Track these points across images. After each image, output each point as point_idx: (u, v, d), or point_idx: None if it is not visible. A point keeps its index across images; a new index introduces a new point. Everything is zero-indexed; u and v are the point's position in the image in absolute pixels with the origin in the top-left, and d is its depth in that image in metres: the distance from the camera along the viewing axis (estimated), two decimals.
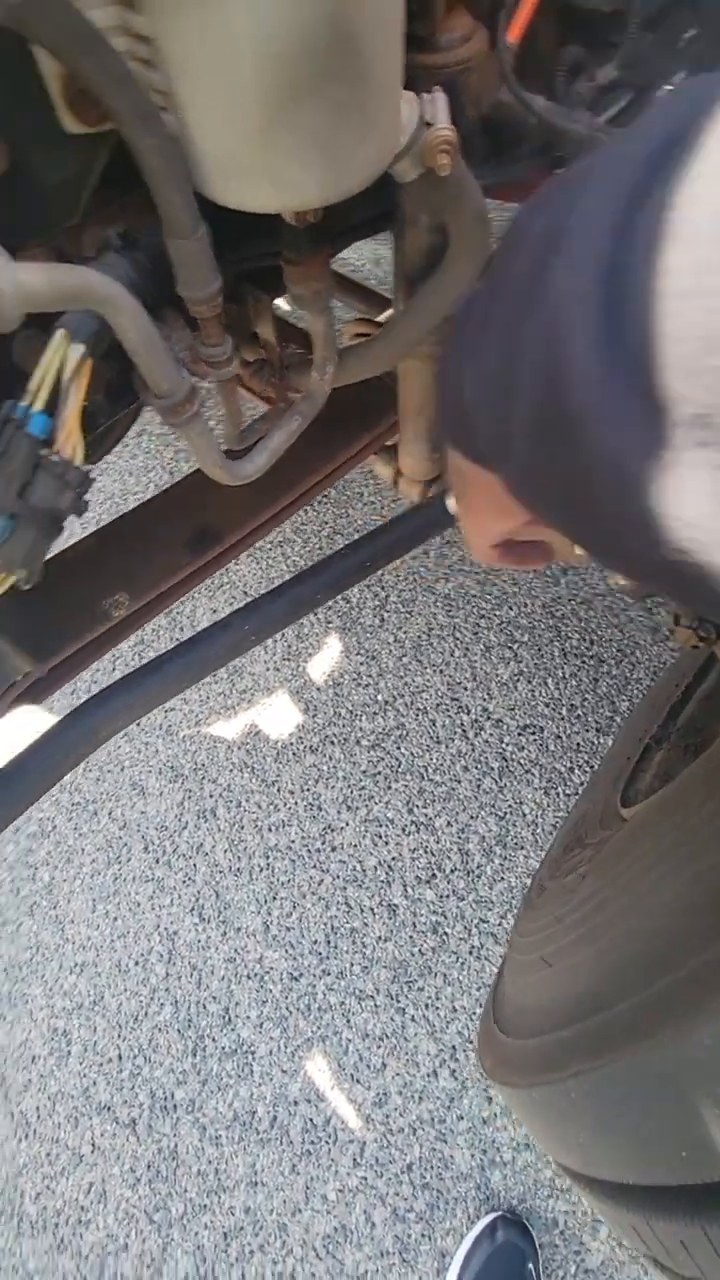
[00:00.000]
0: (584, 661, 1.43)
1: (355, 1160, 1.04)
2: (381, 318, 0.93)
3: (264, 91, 0.34)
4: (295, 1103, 1.08)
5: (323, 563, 0.71)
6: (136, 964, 1.21)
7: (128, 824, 1.34)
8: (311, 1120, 1.07)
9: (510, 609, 1.51)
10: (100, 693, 0.63)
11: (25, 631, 0.65)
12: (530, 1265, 0.92)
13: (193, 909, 1.25)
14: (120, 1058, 1.14)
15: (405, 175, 0.47)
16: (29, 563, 0.44)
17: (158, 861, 1.30)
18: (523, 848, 1.25)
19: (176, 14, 0.33)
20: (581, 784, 1.30)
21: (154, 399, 0.47)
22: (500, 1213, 0.97)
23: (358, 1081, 1.09)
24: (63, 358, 0.42)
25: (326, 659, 1.48)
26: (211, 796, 1.35)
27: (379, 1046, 1.11)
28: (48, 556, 0.46)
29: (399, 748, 1.37)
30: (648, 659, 1.42)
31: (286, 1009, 1.15)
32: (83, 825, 1.35)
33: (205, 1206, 1.03)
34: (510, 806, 1.29)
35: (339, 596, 1.55)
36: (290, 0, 0.32)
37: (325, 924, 1.21)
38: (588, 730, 1.36)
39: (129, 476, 1.76)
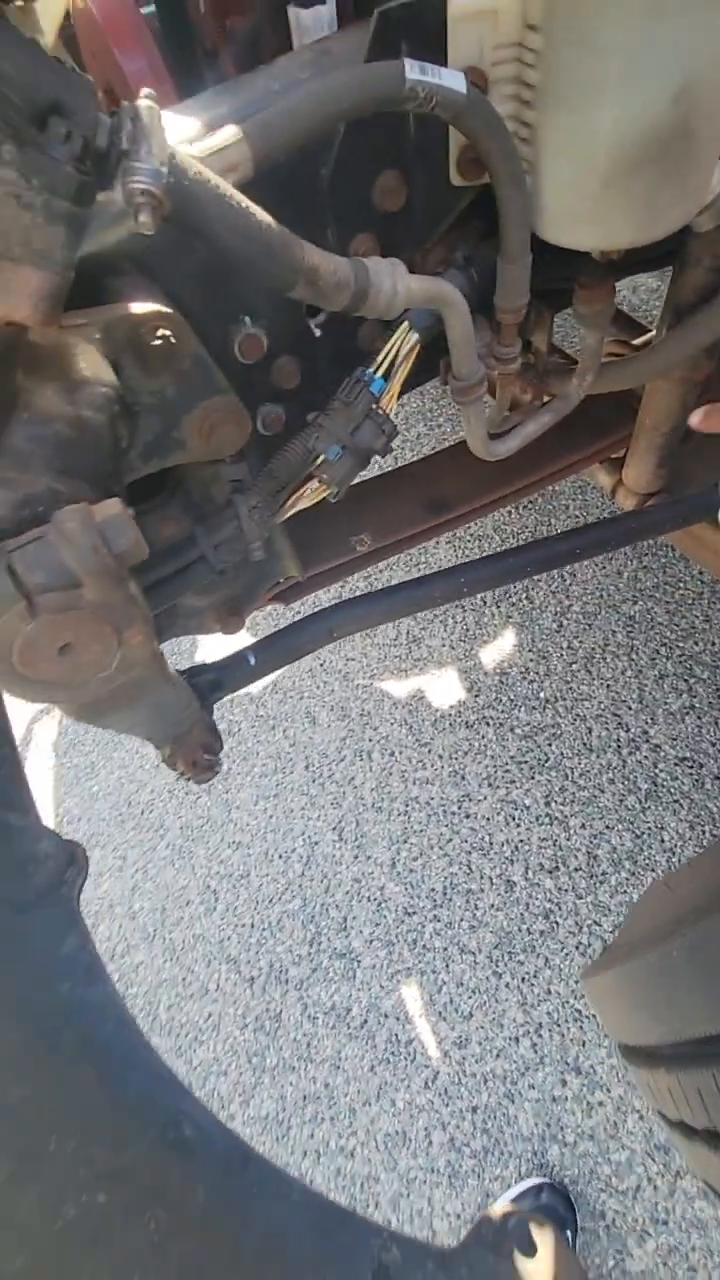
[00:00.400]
0: None
1: (427, 1083, 1.15)
2: (637, 340, 1.01)
3: (611, 166, 0.47)
4: (385, 1015, 1.22)
5: (537, 542, 0.83)
6: (281, 857, 1.42)
7: (296, 743, 1.56)
8: (396, 1035, 1.20)
9: (696, 644, 1.50)
10: (341, 603, 0.80)
11: (299, 544, 0.85)
12: (569, 1233, 0.97)
13: (334, 828, 1.43)
14: (252, 926, 1.36)
15: (702, 226, 0.57)
16: (343, 483, 0.61)
17: (314, 781, 1.50)
18: (654, 870, 1.26)
19: (556, 112, 0.47)
20: None
21: (454, 380, 0.62)
22: (550, 1180, 1.03)
23: (444, 1019, 1.20)
24: (402, 342, 0.58)
25: (499, 648, 1.58)
26: (370, 740, 1.52)
27: (470, 997, 1.21)
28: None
29: (550, 745, 1.44)
30: None
31: (395, 936, 1.29)
32: (261, 735, 1.59)
33: (294, 1068, 1.20)
34: (650, 829, 1.31)
35: (524, 598, 1.64)
36: (651, 113, 0.44)
37: (445, 878, 1.33)
38: None
39: None
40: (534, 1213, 0.65)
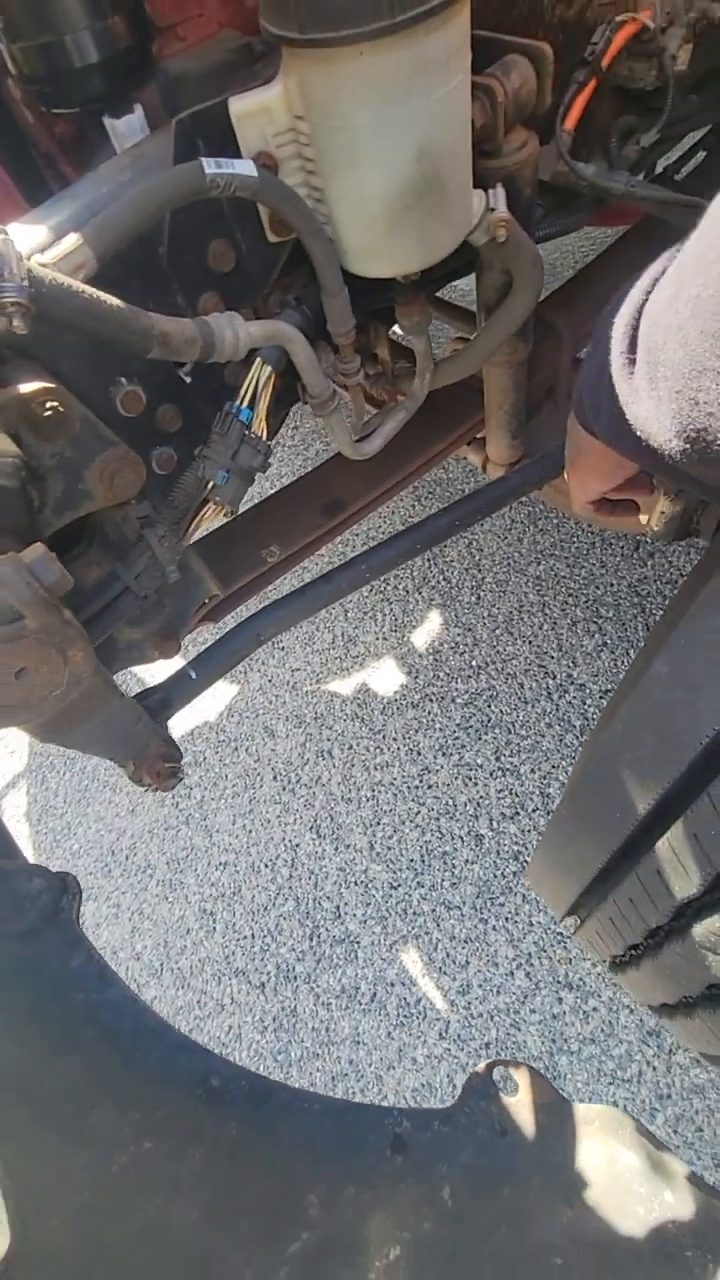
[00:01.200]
0: None
1: (441, 1034, 1.24)
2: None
3: (385, 213, 0.59)
4: (392, 984, 1.30)
5: (422, 521, 0.95)
6: (267, 866, 1.49)
7: (260, 758, 1.63)
8: (405, 999, 1.28)
9: (598, 588, 1.66)
10: (262, 609, 0.90)
11: (215, 565, 0.94)
12: None
13: (311, 827, 1.51)
14: (253, 936, 1.42)
15: (478, 242, 0.70)
16: (235, 501, 0.71)
17: (284, 789, 1.57)
18: None
19: (335, 176, 0.59)
20: None
21: (310, 398, 0.73)
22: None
23: (444, 973, 1.29)
24: (259, 374, 0.68)
25: (428, 630, 1.71)
26: (328, 740, 1.61)
27: (464, 947, 1.31)
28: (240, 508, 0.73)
29: (490, 706, 1.56)
30: None
31: (386, 911, 1.38)
32: (226, 758, 1.66)
33: (318, 1054, 1.27)
34: None
35: (442, 579, 1.77)
36: (401, 171, 0.56)
37: (420, 846, 1.43)
38: None
39: (267, 479, 2.10)
40: (509, 1060, 0.74)
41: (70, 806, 1.69)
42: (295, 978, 1.35)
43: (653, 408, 0.39)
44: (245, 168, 0.55)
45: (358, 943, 1.36)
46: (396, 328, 0.84)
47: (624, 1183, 0.49)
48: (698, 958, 0.50)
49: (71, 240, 0.51)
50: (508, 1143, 0.54)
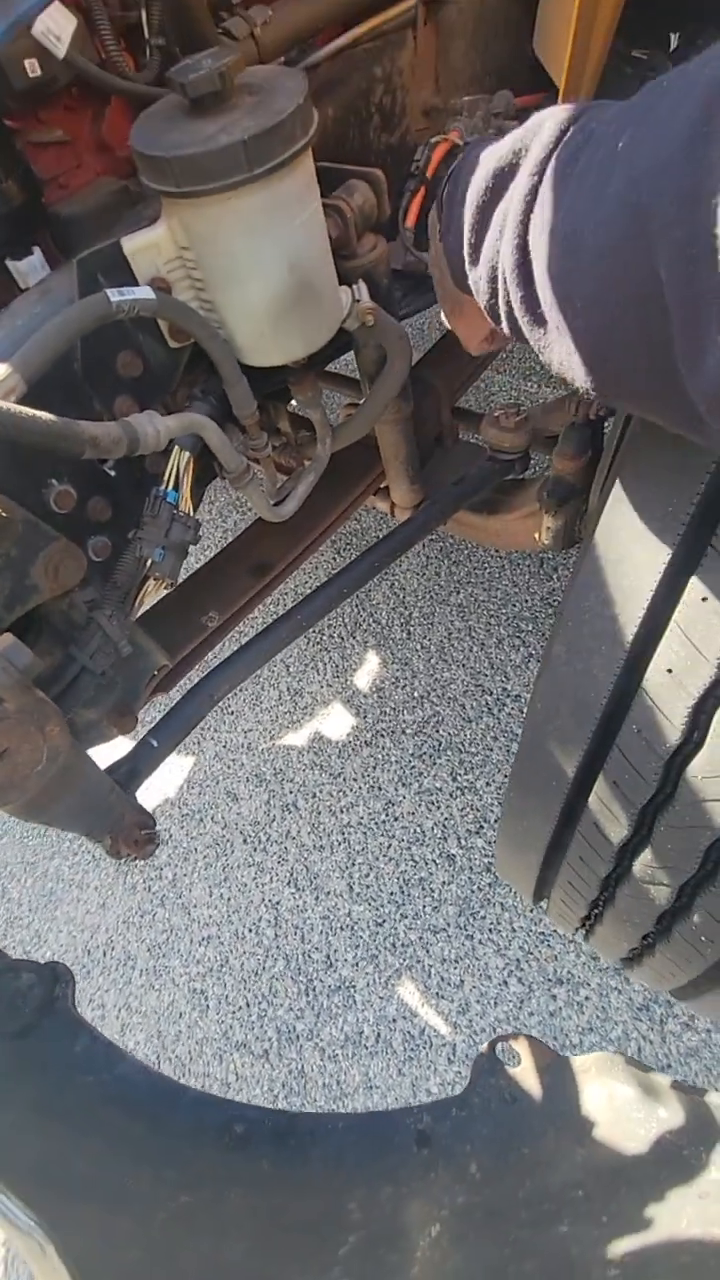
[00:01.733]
0: None
1: (449, 1059, 1.25)
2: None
3: (269, 316, 0.69)
4: (394, 1020, 1.31)
5: (344, 569, 1.04)
6: (250, 931, 1.48)
7: (227, 825, 1.64)
8: (409, 1033, 1.29)
9: (514, 606, 1.80)
10: (210, 671, 0.95)
11: (160, 637, 0.99)
12: None
13: (289, 882, 1.52)
14: (248, 1005, 1.40)
15: (351, 327, 0.82)
16: (173, 575, 0.77)
17: (255, 850, 1.58)
18: None
19: (222, 292, 0.69)
20: None
21: (227, 474, 0.82)
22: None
23: (442, 997, 1.31)
24: (179, 460, 0.77)
25: (368, 670, 1.79)
26: (291, 793, 1.64)
27: (455, 968, 1.34)
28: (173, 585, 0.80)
29: (438, 731, 1.64)
30: None
31: (375, 949, 1.39)
32: (192, 830, 1.65)
33: (334, 1110, 1.25)
34: None
35: (372, 620, 1.87)
36: (277, 282, 0.67)
37: (398, 878, 1.46)
38: None
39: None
40: (508, 1034, 0.77)
41: (36, 913, 1.63)
42: (297, 1037, 1.34)
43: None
44: (144, 293, 0.64)
45: (354, 987, 1.36)
46: (294, 403, 0.94)
47: (623, 1113, 0.55)
48: (642, 892, 0.57)
49: (2, 370, 0.58)
50: (519, 1109, 0.59)
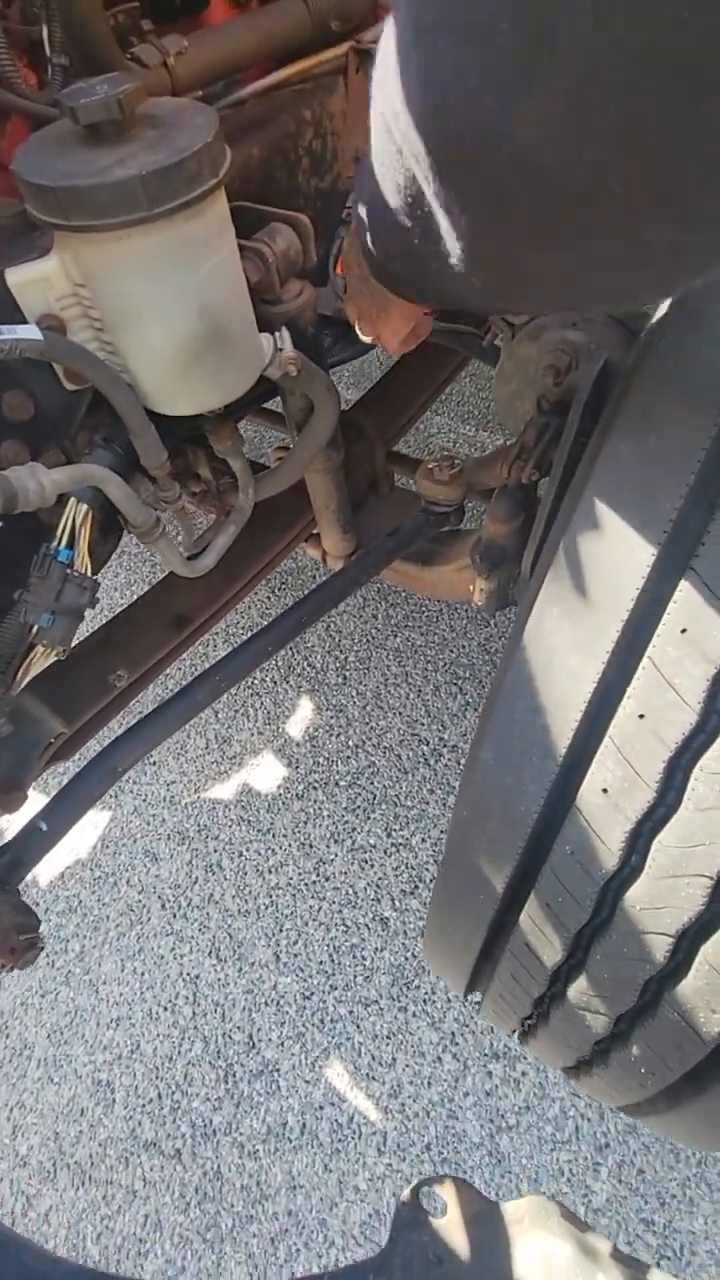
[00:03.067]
0: None
1: (379, 1149, 1.16)
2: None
3: (177, 363, 0.63)
4: (320, 1108, 1.21)
5: (269, 625, 0.97)
6: (165, 1009, 1.35)
7: (145, 888, 1.51)
8: (337, 1121, 1.20)
9: (452, 651, 1.77)
10: (116, 739, 0.86)
11: (56, 702, 0.89)
12: None
13: (210, 952, 1.40)
14: (160, 1096, 1.26)
15: (274, 376, 0.76)
16: (64, 642, 0.68)
17: (175, 916, 1.46)
18: None
19: (124, 335, 0.62)
20: None
21: (133, 529, 0.74)
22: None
23: (373, 1079, 1.22)
24: (74, 514, 0.68)
25: (301, 717, 1.71)
26: (216, 852, 1.53)
27: (388, 1044, 1.25)
28: (73, 643, 0.71)
29: (372, 783, 1.57)
30: None
31: (303, 1026, 1.29)
32: (105, 895, 1.51)
33: (251, 1217, 1.13)
34: None
35: (306, 664, 1.80)
36: (185, 328, 0.61)
37: (328, 945, 1.37)
38: None
39: (115, 592, 2.04)
40: (432, 1177, 0.70)
41: None
42: (214, 1133, 1.22)
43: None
44: (28, 332, 0.57)
45: (278, 1070, 1.26)
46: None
47: (560, 1275, 0.48)
48: (578, 1019, 0.52)
49: None
50: (445, 1272, 0.51)
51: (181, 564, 0.83)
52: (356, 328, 0.75)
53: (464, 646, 1.77)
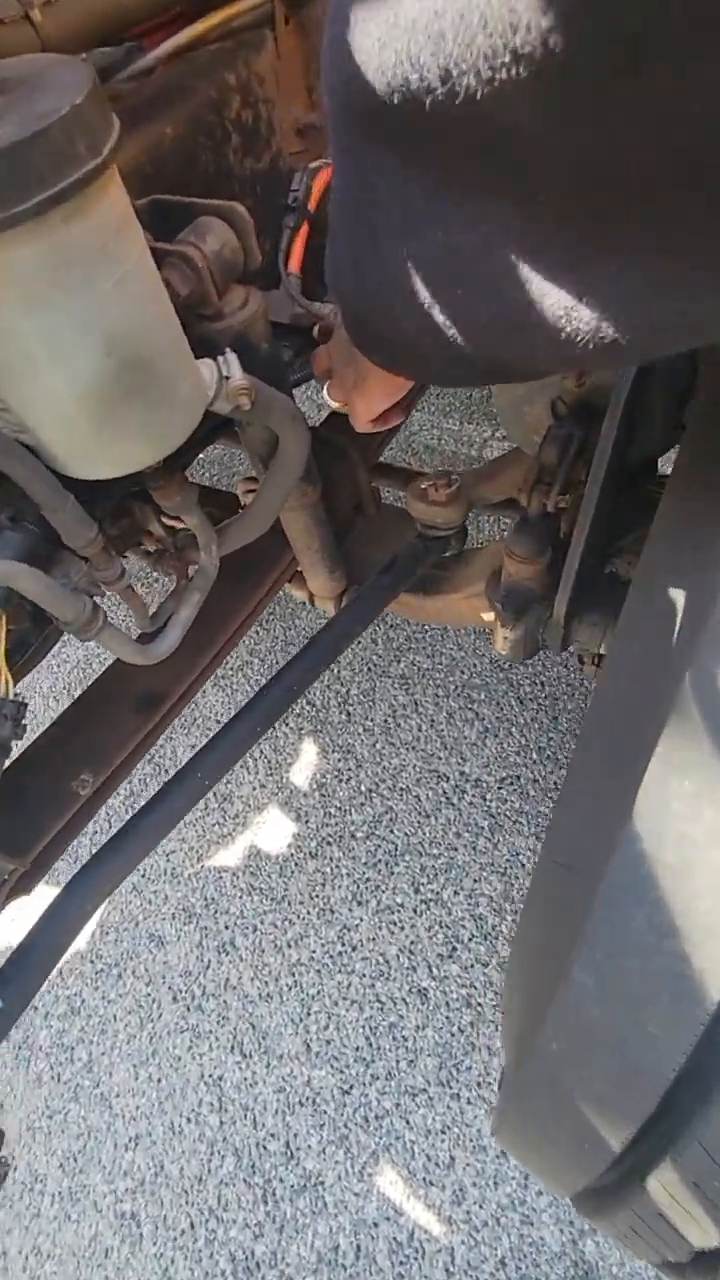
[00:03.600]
0: (540, 704, 1.52)
1: (448, 1270, 1.02)
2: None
3: (88, 416, 0.47)
4: (375, 1224, 1.06)
5: (255, 698, 0.81)
6: (189, 1121, 1.20)
7: (152, 978, 1.36)
8: (395, 1239, 1.05)
9: (462, 673, 1.61)
10: (79, 871, 0.70)
11: (3, 834, 0.73)
12: None
13: (232, 1047, 1.25)
14: (192, 1226, 1.12)
15: (224, 410, 0.60)
16: None
17: (189, 1009, 1.31)
18: None
19: (15, 387, 0.46)
20: None
21: (65, 625, 0.58)
22: None
23: (431, 1183, 1.08)
24: None
25: (306, 764, 1.55)
26: (228, 928, 1.38)
27: (443, 1140, 1.11)
28: (11, 758, 0.56)
29: (392, 831, 1.42)
30: (594, 687, 1.51)
31: (345, 1126, 1.15)
32: (109, 991, 1.36)
33: None
34: (508, 860, 1.34)
35: (307, 704, 1.64)
36: (91, 368, 0.44)
37: (363, 1027, 1.22)
38: (559, 766, 1.43)
39: (70, 667, 1.88)
40: None
41: None
42: (258, 1266, 1.07)
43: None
44: None
45: (322, 1183, 1.11)
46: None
47: None
48: None
49: None
50: None
51: (135, 653, 0.67)
52: (324, 390, 0.62)
53: (475, 666, 1.61)
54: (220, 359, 0.58)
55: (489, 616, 1.07)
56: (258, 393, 0.60)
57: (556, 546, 0.65)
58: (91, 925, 1.45)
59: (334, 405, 0.62)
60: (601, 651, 0.70)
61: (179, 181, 0.67)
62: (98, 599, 0.63)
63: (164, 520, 0.77)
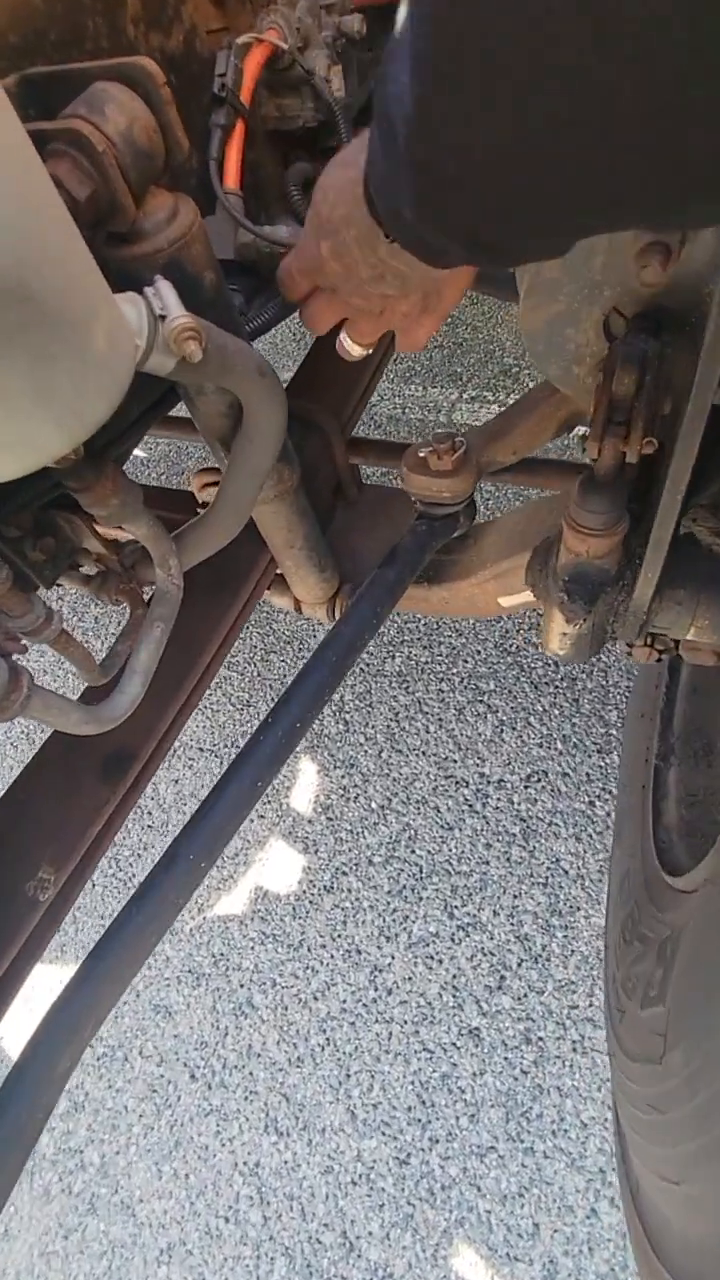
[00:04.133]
0: (557, 687, 1.37)
1: None
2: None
3: None
4: None
5: (247, 751, 0.63)
6: (227, 1221, 1.04)
7: (164, 1057, 1.18)
8: None
9: (466, 662, 1.46)
10: (49, 1016, 0.52)
11: None
12: None
13: (266, 1127, 1.09)
14: None
15: (164, 368, 0.42)
16: None
17: (210, 1087, 1.14)
18: (579, 908, 1.15)
19: None
20: (606, 815, 1.22)
21: None
22: None
23: (516, 1259, 0.94)
24: None
25: (307, 786, 1.39)
26: (243, 986, 1.21)
27: (522, 1205, 0.97)
28: None
29: (413, 851, 1.27)
30: (616, 661, 1.37)
31: (408, 1203, 1.00)
32: (115, 1079, 1.18)
33: None
34: (549, 868, 1.20)
35: None
36: None
37: (412, 1083, 1.08)
38: (589, 755, 1.29)
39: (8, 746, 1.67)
40: None
41: None
42: None
43: None
44: None
45: (390, 1276, 0.96)
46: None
47: None
48: None
49: None
50: None
51: (83, 722, 0.49)
52: (343, 335, 0.46)
53: (479, 652, 1.46)
54: (149, 290, 0.40)
55: (508, 603, 0.91)
56: (208, 338, 0.41)
57: (636, 515, 0.49)
58: (55, 952, 1.27)
59: (355, 353, 0.46)
60: (689, 637, 0.54)
61: (57, 56, 0.48)
62: (17, 656, 0.44)
63: (102, 532, 0.58)
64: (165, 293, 0.40)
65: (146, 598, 0.63)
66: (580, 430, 0.68)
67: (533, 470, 0.92)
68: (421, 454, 0.77)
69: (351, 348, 0.50)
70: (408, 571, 0.78)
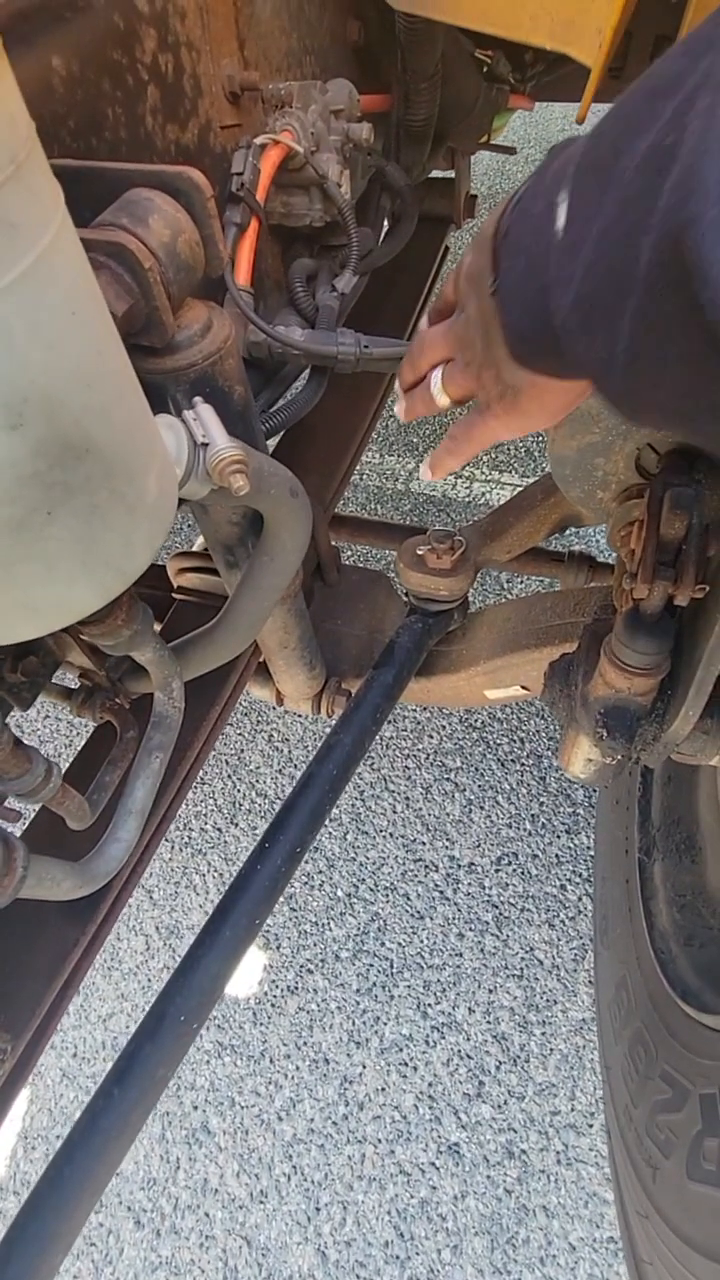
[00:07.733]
0: (524, 765, 1.36)
1: None
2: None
3: None
4: None
5: (237, 885, 0.57)
6: None
7: (104, 1201, 1.04)
8: None
9: (431, 737, 1.43)
10: (18, 1220, 0.43)
11: None
12: None
13: (226, 1278, 0.96)
14: None
15: (196, 494, 0.37)
16: None
17: (159, 1234, 1.00)
18: (555, 1000, 1.11)
19: None
20: (579, 899, 1.20)
21: None
22: None
23: None
24: None
25: None
26: (197, 1108, 1.09)
27: None
28: None
29: (382, 944, 1.20)
30: None
31: None
32: None
33: None
34: (523, 958, 1.16)
35: (252, 793, 1.39)
36: None
37: (389, 1212, 0.98)
38: (558, 836, 1.27)
39: None
40: None
41: None
42: None
43: None
44: None
45: None
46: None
47: None
48: None
49: None
50: None
51: (75, 887, 0.42)
52: (438, 377, 0.41)
53: (444, 727, 1.43)
54: (189, 415, 0.36)
55: (495, 695, 0.89)
56: (254, 468, 0.38)
57: (677, 657, 0.48)
58: (9, 1140, 1.10)
59: (443, 403, 0.41)
60: (712, 764, 0.54)
61: (77, 150, 0.44)
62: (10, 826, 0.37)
63: (91, 647, 0.52)
64: (207, 419, 0.36)
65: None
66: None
67: (521, 559, 0.92)
68: (419, 551, 0.75)
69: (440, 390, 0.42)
70: (405, 672, 0.75)
